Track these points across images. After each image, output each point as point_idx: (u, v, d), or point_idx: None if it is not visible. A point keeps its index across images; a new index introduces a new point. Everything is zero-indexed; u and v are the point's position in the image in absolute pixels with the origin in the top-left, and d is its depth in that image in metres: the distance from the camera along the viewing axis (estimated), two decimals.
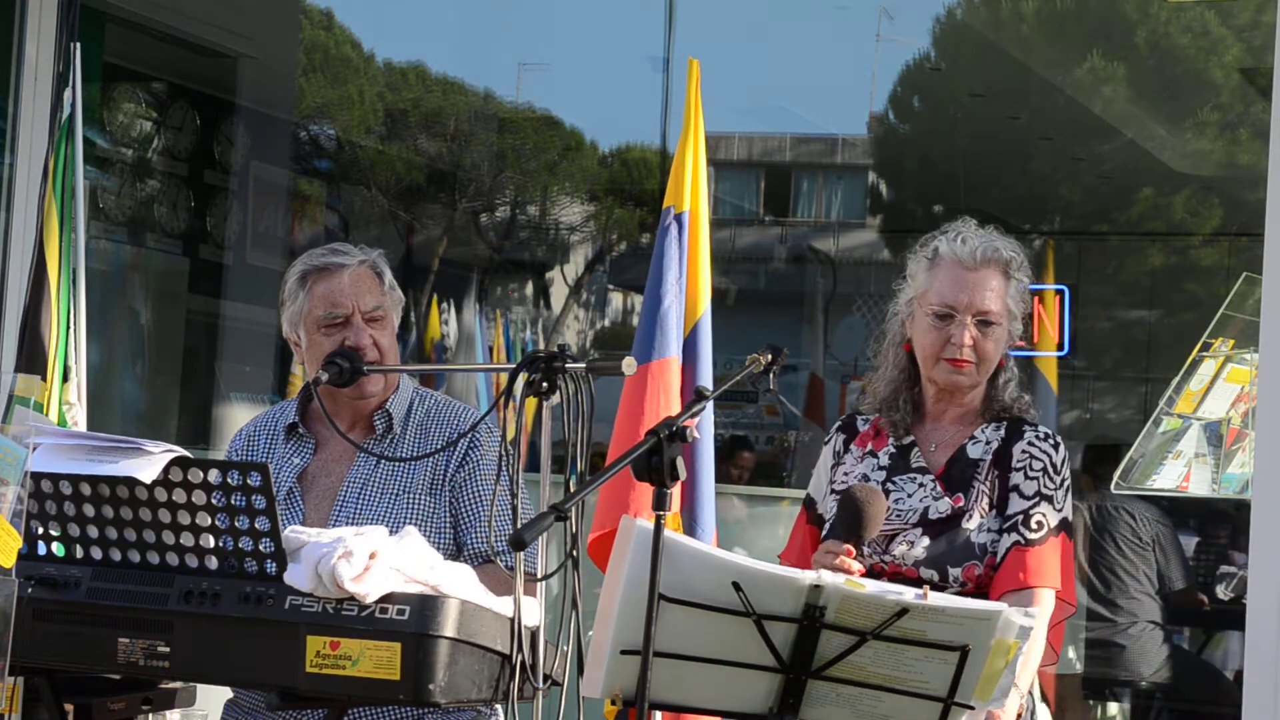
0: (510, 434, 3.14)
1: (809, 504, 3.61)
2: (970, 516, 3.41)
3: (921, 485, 3.46)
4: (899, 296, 3.56)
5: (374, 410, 3.66)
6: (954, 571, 3.38)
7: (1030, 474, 3.44)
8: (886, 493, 3.44)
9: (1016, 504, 3.43)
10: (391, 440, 3.64)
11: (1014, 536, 3.41)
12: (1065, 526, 3.47)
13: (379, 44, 10.15)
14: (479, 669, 2.90)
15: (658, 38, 8.64)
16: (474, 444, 3.61)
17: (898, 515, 3.43)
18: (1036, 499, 3.43)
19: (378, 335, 3.62)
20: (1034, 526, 3.41)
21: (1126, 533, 7.00)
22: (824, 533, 3.52)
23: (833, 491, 3.54)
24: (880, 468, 3.50)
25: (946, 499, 3.43)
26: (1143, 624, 6.96)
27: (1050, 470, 3.45)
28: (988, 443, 3.48)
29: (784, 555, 3.62)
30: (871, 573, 3.40)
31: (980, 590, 3.38)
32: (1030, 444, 3.47)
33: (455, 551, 3.55)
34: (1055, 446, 3.49)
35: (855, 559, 3.26)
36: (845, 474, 3.54)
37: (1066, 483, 3.49)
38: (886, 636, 2.74)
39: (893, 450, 3.51)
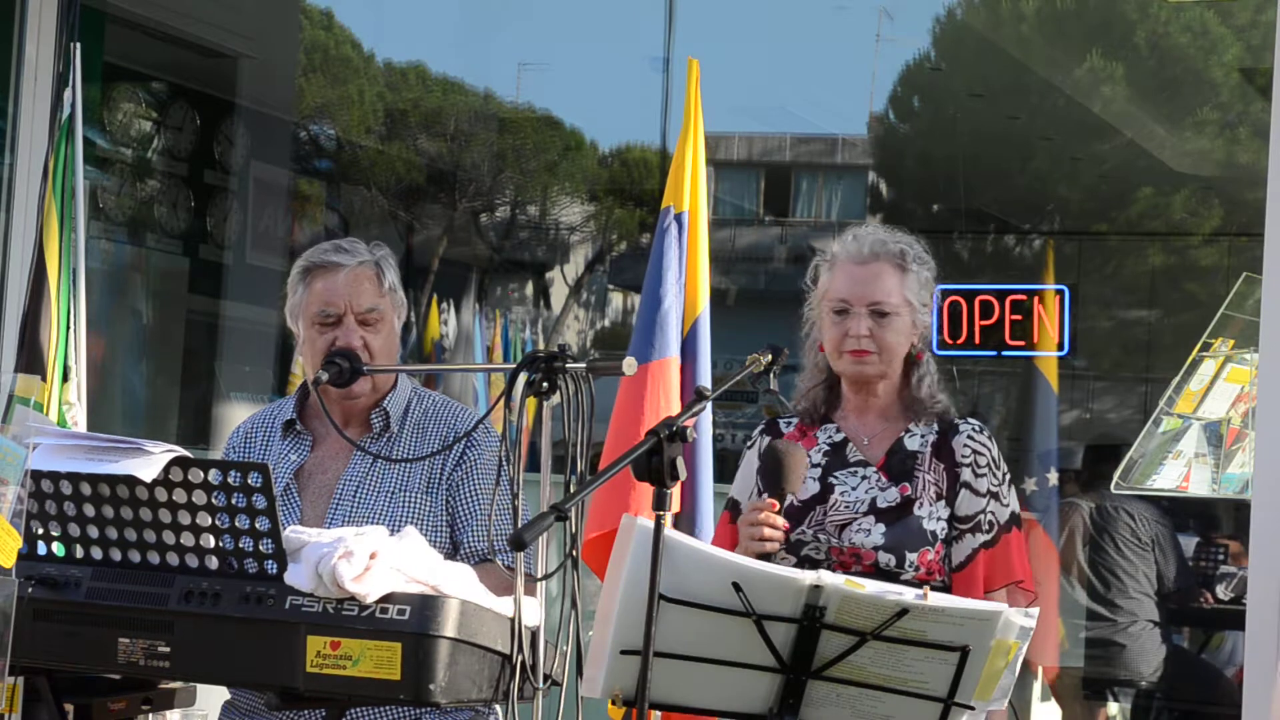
0: (508, 434, 3.13)
1: (733, 506, 3.66)
2: (920, 504, 3.51)
3: (865, 478, 3.54)
4: (809, 302, 3.70)
5: (370, 409, 3.67)
6: (911, 556, 3.47)
7: (979, 471, 3.55)
8: (830, 487, 3.52)
9: (973, 503, 3.54)
10: (389, 439, 3.64)
11: (979, 538, 3.53)
12: (1016, 520, 3.59)
13: (379, 44, 10.15)
14: (479, 669, 2.90)
15: (658, 38, 8.64)
16: (471, 444, 3.62)
17: (846, 505, 3.51)
18: (988, 497, 3.55)
19: (369, 337, 3.62)
20: (988, 527, 3.54)
21: (1126, 533, 7.00)
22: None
23: None
24: (815, 465, 3.56)
25: (893, 489, 3.53)
26: (1142, 623, 6.96)
27: (993, 465, 3.57)
28: (923, 437, 3.58)
29: None
30: (828, 557, 3.48)
31: (930, 575, 3.47)
32: (970, 438, 3.58)
33: (452, 551, 3.56)
34: (991, 439, 3.61)
35: (778, 513, 3.33)
36: None
37: (1008, 476, 3.61)
38: (886, 637, 2.74)
39: (826, 448, 3.59)
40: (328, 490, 3.62)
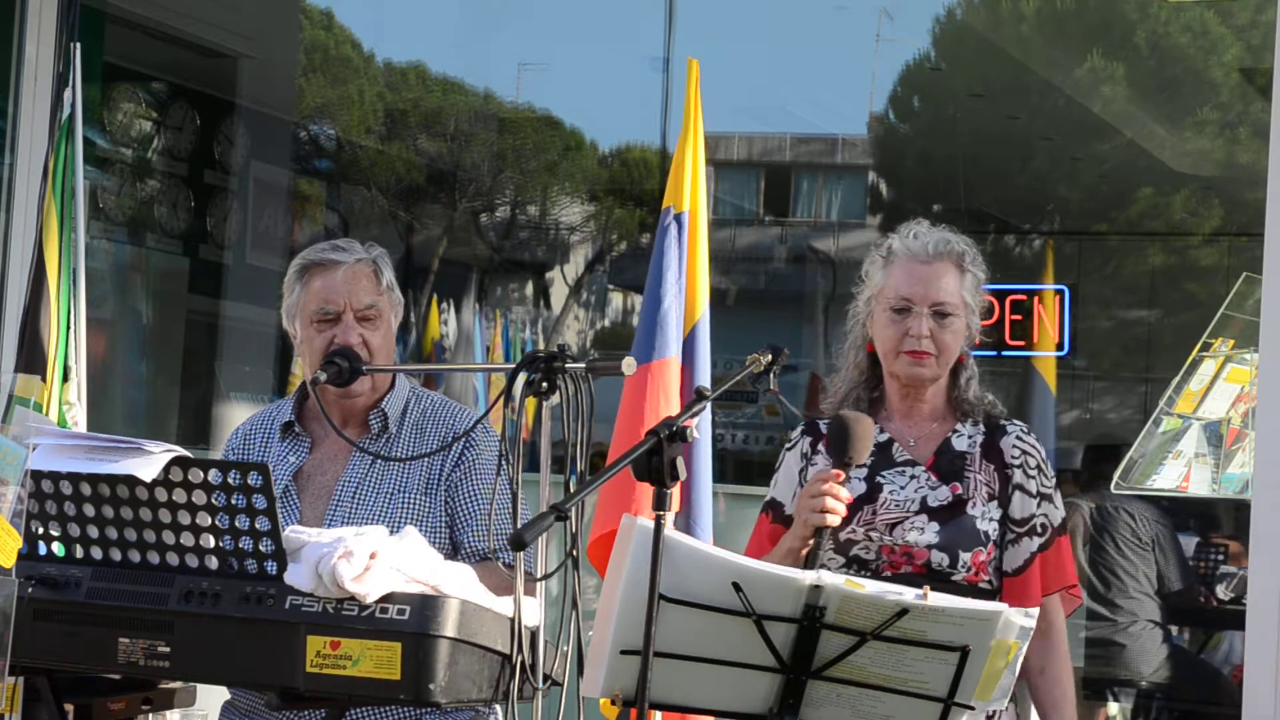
0: (507, 433, 3.13)
1: (774, 506, 3.60)
2: (974, 504, 3.45)
3: (914, 477, 3.48)
4: (857, 299, 3.60)
5: (368, 409, 3.66)
6: (964, 556, 3.41)
7: (1029, 472, 3.50)
8: (879, 486, 3.46)
9: (1026, 505, 3.49)
10: (387, 440, 3.64)
11: (1035, 542, 3.48)
12: (1065, 524, 3.55)
13: (379, 44, 10.16)
14: (479, 669, 2.90)
15: (658, 38, 8.65)
16: (470, 444, 3.61)
17: (897, 504, 3.45)
18: (1039, 499, 3.49)
19: (368, 334, 3.61)
20: (1042, 530, 3.48)
21: (1126, 533, 6.99)
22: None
23: None
24: (861, 465, 3.48)
25: (944, 488, 3.46)
26: (1142, 623, 6.96)
27: (1043, 467, 3.52)
28: (970, 437, 3.53)
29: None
30: (879, 557, 3.42)
31: (976, 576, 3.42)
32: (1019, 439, 3.52)
33: (451, 552, 3.55)
34: (1039, 441, 3.56)
35: (843, 484, 3.27)
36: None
37: (1054, 478, 3.56)
38: (886, 637, 2.74)
39: (871, 448, 3.48)
40: (326, 491, 3.62)
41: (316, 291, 3.63)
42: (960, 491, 3.46)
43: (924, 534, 3.42)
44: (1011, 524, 3.47)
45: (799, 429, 3.65)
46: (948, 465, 3.49)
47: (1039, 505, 3.49)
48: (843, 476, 3.28)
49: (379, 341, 3.63)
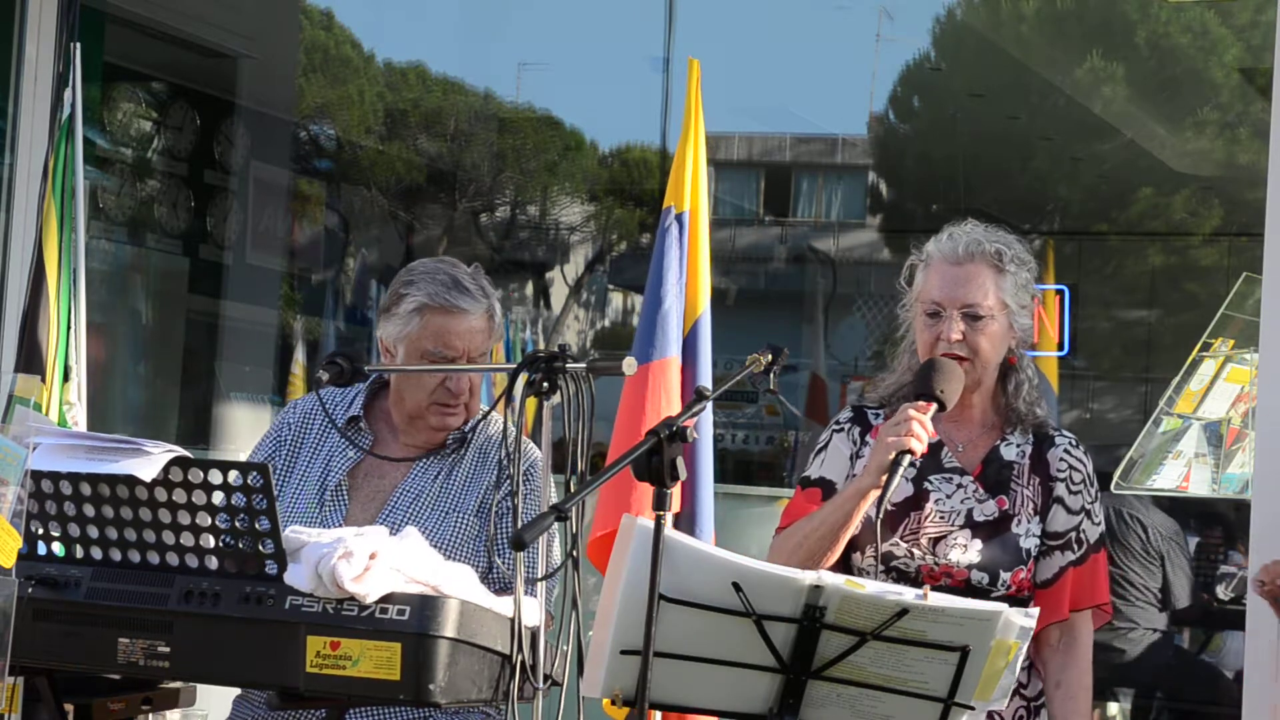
0: (510, 434, 3.13)
1: (823, 484, 3.51)
2: (1019, 521, 3.42)
3: (961, 486, 3.44)
4: (903, 304, 3.55)
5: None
6: (1004, 576, 3.38)
7: (1073, 487, 3.46)
8: (925, 493, 3.43)
9: (1065, 519, 3.45)
10: (454, 458, 3.63)
11: (1068, 556, 3.45)
12: (1103, 539, 3.51)
13: (379, 44, 10.16)
14: (479, 669, 2.90)
15: (658, 38, 8.65)
16: (525, 477, 3.57)
17: (941, 516, 3.41)
18: (1081, 515, 3.46)
19: (474, 378, 3.64)
20: (1078, 545, 3.45)
21: (1136, 544, 6.98)
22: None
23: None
24: (911, 464, 3.38)
25: (991, 502, 3.42)
26: (1143, 630, 6.96)
27: (1088, 482, 3.48)
28: (1019, 447, 3.48)
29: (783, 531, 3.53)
30: (919, 574, 3.39)
31: (1019, 591, 3.40)
32: (1067, 452, 3.48)
33: (487, 571, 3.53)
34: (1086, 454, 3.50)
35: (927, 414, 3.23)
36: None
37: (1099, 493, 3.51)
38: (886, 637, 2.74)
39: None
40: (381, 496, 3.59)
41: (436, 333, 3.58)
42: (1006, 506, 3.42)
43: (966, 553, 3.38)
44: (1047, 536, 3.44)
45: (847, 413, 3.58)
46: (995, 475, 3.44)
47: (1080, 521, 3.45)
48: (930, 408, 3.24)
49: (478, 379, 3.66)
